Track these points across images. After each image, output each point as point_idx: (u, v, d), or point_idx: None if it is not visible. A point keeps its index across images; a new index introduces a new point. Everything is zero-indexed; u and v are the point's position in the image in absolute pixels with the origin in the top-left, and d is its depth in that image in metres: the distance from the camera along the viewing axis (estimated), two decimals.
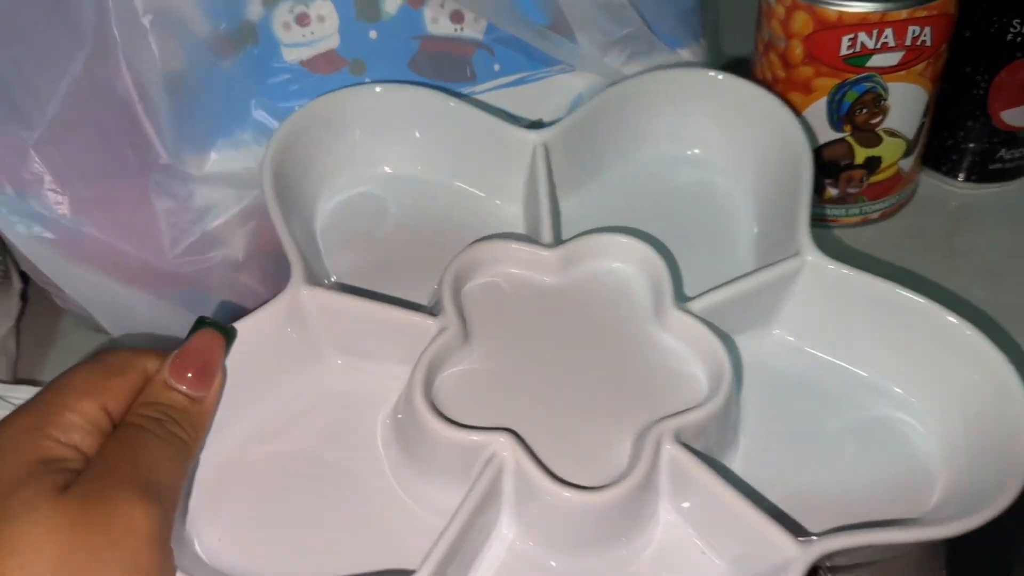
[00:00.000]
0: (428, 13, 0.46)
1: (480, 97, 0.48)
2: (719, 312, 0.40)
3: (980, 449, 0.38)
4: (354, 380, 0.41)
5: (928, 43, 0.47)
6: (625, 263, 0.42)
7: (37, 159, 0.42)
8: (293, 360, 0.41)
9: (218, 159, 0.44)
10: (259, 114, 0.45)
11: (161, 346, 0.37)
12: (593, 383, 0.39)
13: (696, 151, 0.49)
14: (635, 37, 0.48)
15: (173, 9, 0.41)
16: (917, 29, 0.47)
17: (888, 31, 0.46)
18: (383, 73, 0.46)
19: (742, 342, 0.42)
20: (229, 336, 0.37)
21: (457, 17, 0.46)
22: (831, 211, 0.54)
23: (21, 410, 0.33)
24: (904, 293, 0.39)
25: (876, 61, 0.47)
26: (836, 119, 0.50)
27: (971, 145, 0.55)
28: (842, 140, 0.50)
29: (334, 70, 0.45)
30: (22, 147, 0.41)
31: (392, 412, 0.40)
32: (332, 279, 0.44)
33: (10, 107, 0.41)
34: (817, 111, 0.50)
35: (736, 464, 0.39)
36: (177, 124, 0.43)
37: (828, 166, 0.52)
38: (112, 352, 0.36)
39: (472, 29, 0.47)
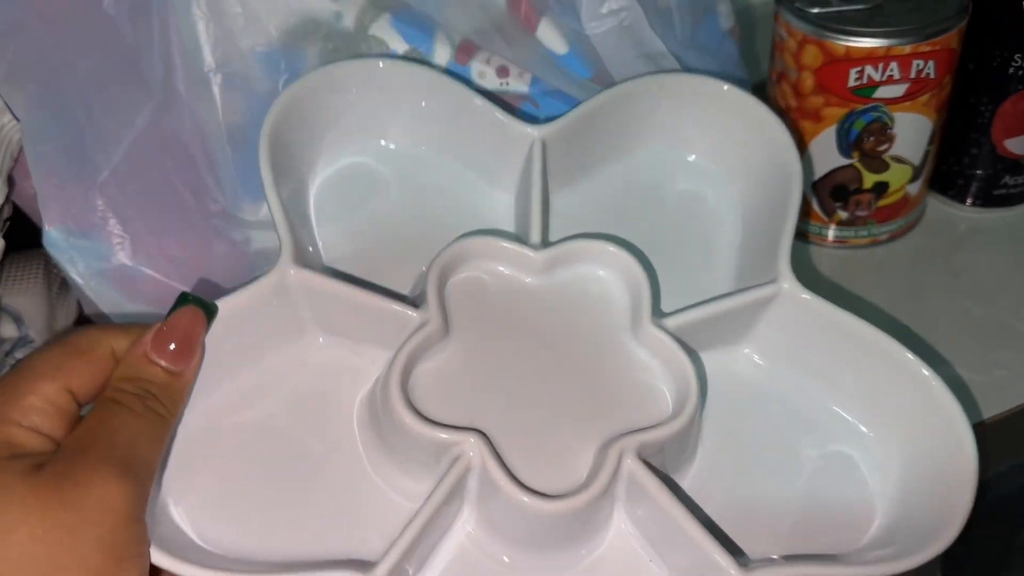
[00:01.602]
0: (475, 68, 0.47)
1: None
2: (692, 329, 0.41)
3: (925, 489, 0.39)
4: (335, 358, 0.41)
5: (932, 76, 0.50)
6: (608, 271, 0.42)
7: (101, 201, 0.44)
8: (276, 334, 0.41)
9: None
10: None
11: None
12: (564, 388, 0.40)
13: (693, 157, 0.48)
14: None
15: (235, 66, 0.43)
16: (921, 63, 0.49)
17: (893, 64, 0.49)
18: None
19: (711, 357, 0.42)
20: (211, 312, 0.37)
21: (503, 72, 0.48)
22: (841, 233, 0.56)
23: None
24: (869, 329, 0.40)
25: (882, 92, 0.50)
26: (845, 146, 0.52)
27: (977, 171, 0.57)
28: (851, 166, 0.53)
29: None
30: (88, 189, 0.43)
31: (369, 395, 0.40)
32: (319, 245, 0.44)
33: (79, 151, 0.43)
34: (827, 138, 0.52)
35: (689, 477, 0.40)
36: (235, 173, 0.45)
37: (838, 190, 0.54)
38: (79, 331, 0.35)
39: (517, 83, 0.48)
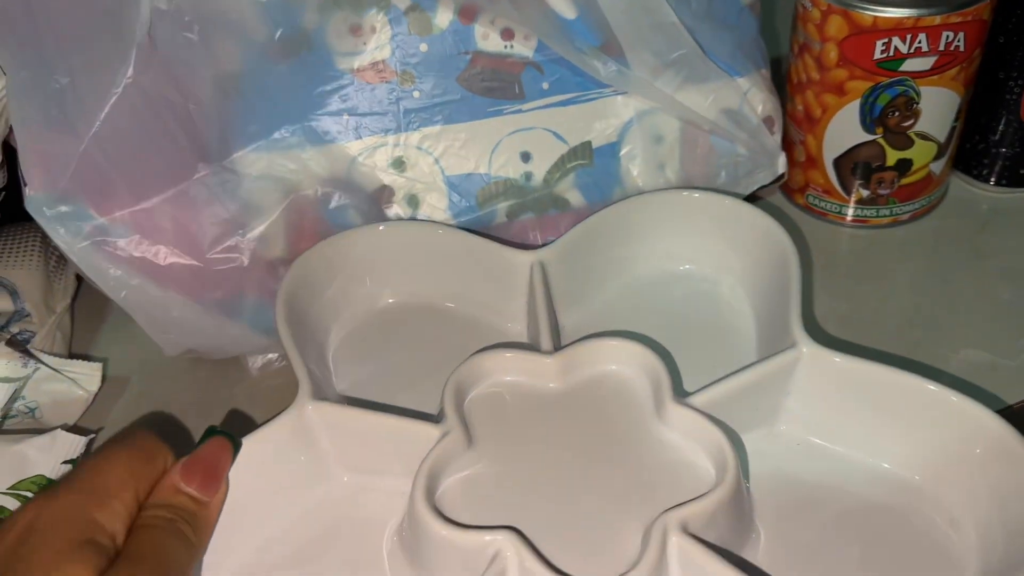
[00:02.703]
0: (479, 29, 0.46)
1: (527, 115, 0.48)
2: (721, 407, 0.40)
3: (1000, 521, 0.37)
4: (361, 497, 0.41)
5: (961, 48, 0.48)
6: (623, 365, 0.43)
7: (84, 162, 0.42)
8: (300, 477, 0.41)
9: (264, 161, 0.45)
10: (308, 119, 0.45)
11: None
12: (599, 480, 0.39)
13: (689, 266, 0.50)
14: (689, 61, 0.47)
15: (231, 15, 0.42)
16: (951, 34, 0.47)
17: (922, 36, 0.47)
18: (432, 86, 0.47)
19: (751, 440, 0.42)
20: (236, 445, 0.39)
21: (508, 34, 0.46)
22: (862, 212, 0.54)
23: (71, 487, 0.35)
24: (898, 375, 0.39)
25: (909, 65, 0.48)
26: (868, 121, 0.50)
27: (1003, 149, 0.55)
28: (874, 142, 0.51)
29: (383, 80, 0.46)
30: (70, 150, 0.42)
31: (399, 527, 0.40)
32: (338, 391, 0.45)
33: (61, 113, 0.42)
34: (850, 113, 0.50)
35: (759, 557, 0.38)
36: (226, 126, 0.44)
37: (860, 168, 0.52)
38: (144, 435, 0.38)
39: (522, 47, 0.47)
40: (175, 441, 0.48)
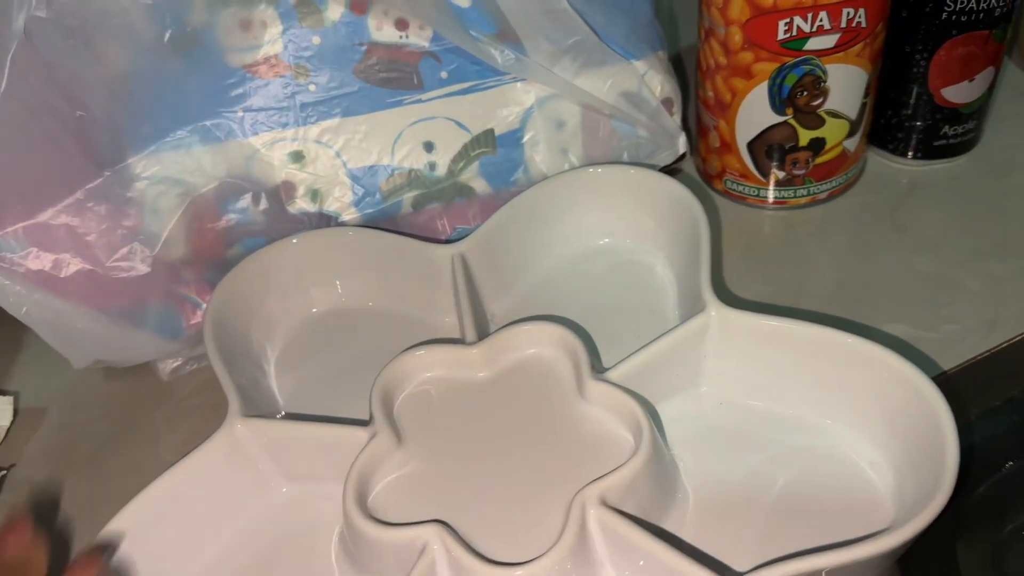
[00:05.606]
0: (372, 20, 0.46)
1: (428, 105, 0.48)
2: (639, 377, 0.41)
3: (914, 455, 0.38)
4: (303, 506, 0.42)
5: (863, 24, 0.48)
6: (543, 347, 0.44)
7: None
8: (240, 493, 0.42)
9: (160, 164, 0.44)
10: (202, 118, 0.45)
11: None
12: (525, 464, 0.40)
13: (608, 239, 0.52)
14: (585, 46, 0.47)
15: (118, 15, 0.41)
16: (851, 11, 0.47)
17: (823, 14, 0.47)
18: (328, 78, 0.46)
19: (675, 405, 0.43)
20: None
21: (402, 24, 0.46)
22: (780, 193, 0.54)
23: None
24: (803, 328, 0.40)
25: (813, 44, 0.48)
26: (778, 103, 0.50)
27: (915, 123, 0.55)
28: (785, 123, 0.51)
29: (277, 75, 0.46)
30: None
31: (340, 531, 0.40)
32: (283, 415, 0.46)
33: None
34: (759, 95, 0.50)
35: (686, 522, 0.39)
36: (118, 130, 0.43)
37: (773, 150, 0.52)
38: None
39: (417, 36, 0.47)
40: (93, 475, 0.47)
